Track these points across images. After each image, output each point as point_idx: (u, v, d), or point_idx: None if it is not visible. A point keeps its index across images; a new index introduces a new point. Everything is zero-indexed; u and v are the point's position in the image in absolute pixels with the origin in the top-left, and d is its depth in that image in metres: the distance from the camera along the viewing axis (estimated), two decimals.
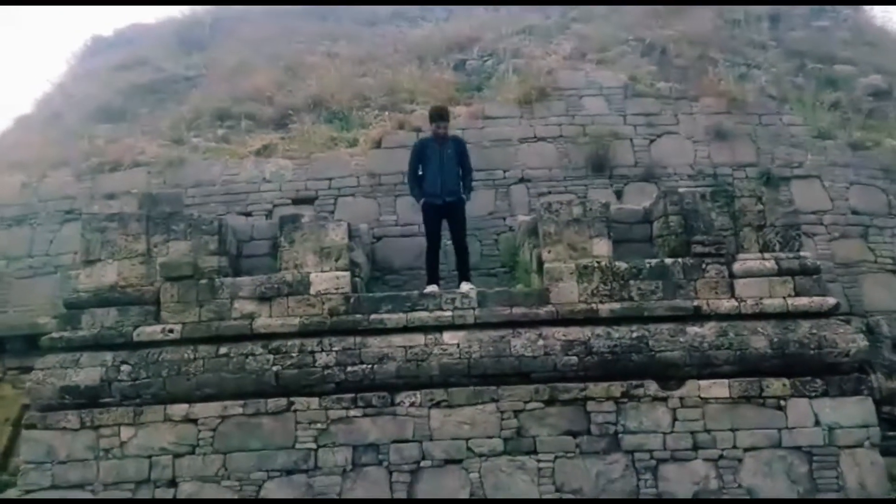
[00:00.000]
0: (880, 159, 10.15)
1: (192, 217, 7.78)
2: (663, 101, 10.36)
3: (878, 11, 13.81)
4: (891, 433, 7.21)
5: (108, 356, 7.10)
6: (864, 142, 10.30)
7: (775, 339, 6.94)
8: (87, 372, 7.03)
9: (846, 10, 13.21)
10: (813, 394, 6.84)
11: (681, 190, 7.84)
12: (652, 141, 10.05)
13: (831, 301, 7.25)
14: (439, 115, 8.24)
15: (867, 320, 8.87)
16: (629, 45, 11.64)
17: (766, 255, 7.38)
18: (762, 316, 7.11)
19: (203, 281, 7.35)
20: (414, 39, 13.04)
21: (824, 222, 9.59)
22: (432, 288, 7.77)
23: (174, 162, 10.07)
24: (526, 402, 6.87)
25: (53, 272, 9.57)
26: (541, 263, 7.42)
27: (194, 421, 6.93)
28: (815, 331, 7.01)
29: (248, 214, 9.54)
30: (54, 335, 7.32)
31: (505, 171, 9.79)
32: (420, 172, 8.21)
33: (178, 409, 6.95)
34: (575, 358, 6.92)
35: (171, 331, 7.19)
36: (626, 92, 10.42)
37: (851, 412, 6.82)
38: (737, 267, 7.29)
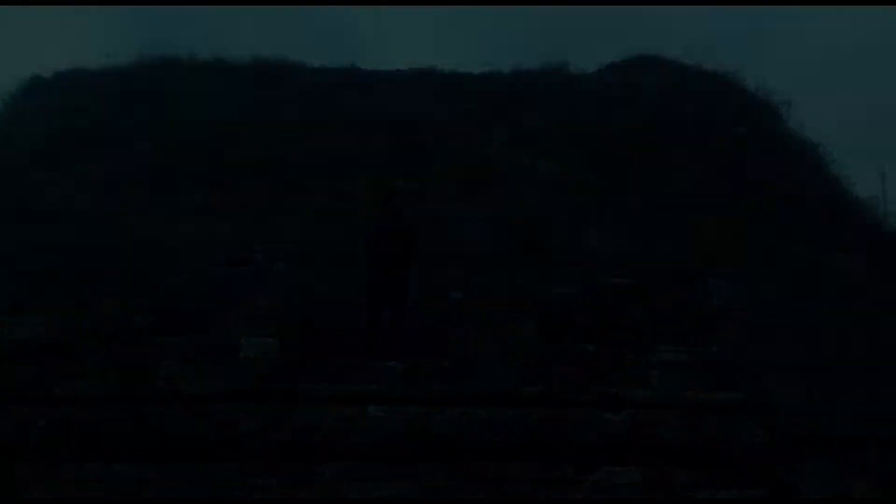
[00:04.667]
0: None
1: (123, 274, 7.75)
2: (592, 192, 10.86)
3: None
4: None
5: (24, 411, 6.91)
6: None
7: (685, 431, 7.27)
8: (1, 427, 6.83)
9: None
10: (718, 486, 7.16)
11: (605, 280, 8.24)
12: (581, 230, 10.48)
13: (738, 396, 7.67)
14: (392, 194, 9.00)
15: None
16: (564, 135, 12.23)
17: (681, 347, 7.79)
18: (674, 407, 7.46)
19: (130, 340, 7.30)
20: (358, 111, 13.37)
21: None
22: None
23: (109, 215, 9.97)
24: (446, 480, 6.96)
25: None
26: None
27: (107, 482, 6.75)
28: (722, 424, 7.38)
29: (182, 274, 9.46)
30: None
31: (441, 250, 10.01)
32: (371, 257, 8.53)
33: (92, 470, 6.77)
34: (496, 437, 7.09)
35: (92, 388, 7.07)
36: (559, 181, 10.89)
37: None
38: (653, 357, 7.67)
